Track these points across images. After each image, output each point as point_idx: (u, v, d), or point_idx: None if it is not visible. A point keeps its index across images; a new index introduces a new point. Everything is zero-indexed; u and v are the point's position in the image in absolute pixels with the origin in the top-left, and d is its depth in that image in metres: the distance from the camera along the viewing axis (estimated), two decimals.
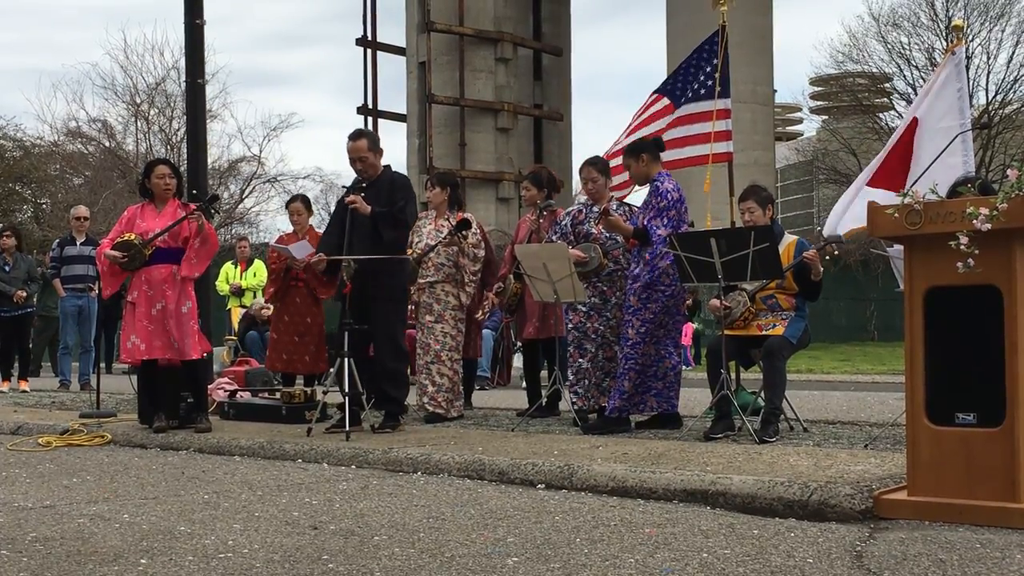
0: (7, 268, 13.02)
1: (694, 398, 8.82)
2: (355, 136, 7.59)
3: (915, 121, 7.52)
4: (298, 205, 9.62)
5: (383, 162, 7.68)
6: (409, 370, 8.22)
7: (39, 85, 76.88)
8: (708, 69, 8.66)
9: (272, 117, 60.49)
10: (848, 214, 7.56)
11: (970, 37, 35.02)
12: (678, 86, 8.83)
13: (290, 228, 9.85)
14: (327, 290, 9.17)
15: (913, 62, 37.56)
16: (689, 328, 19.76)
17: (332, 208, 7.46)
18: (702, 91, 8.67)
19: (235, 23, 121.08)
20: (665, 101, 8.82)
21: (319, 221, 43.66)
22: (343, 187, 7.64)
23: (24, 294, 12.97)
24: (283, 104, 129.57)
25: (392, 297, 7.51)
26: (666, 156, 8.17)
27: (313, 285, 9.15)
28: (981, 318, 4.35)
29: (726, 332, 6.69)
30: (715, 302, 6.84)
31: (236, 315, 14.79)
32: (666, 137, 8.32)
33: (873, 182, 7.49)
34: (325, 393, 7.97)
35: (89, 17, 70.08)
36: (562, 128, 36.12)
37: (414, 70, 34.35)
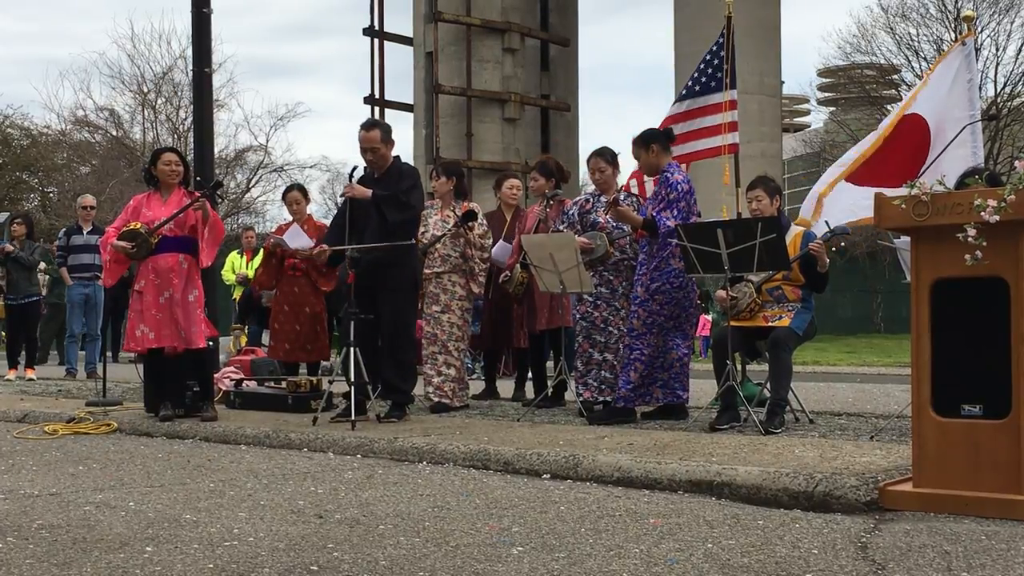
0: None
1: (700, 389, 8.82)
2: (368, 126, 7.58)
3: (920, 121, 7.52)
4: (295, 195, 9.62)
5: (393, 154, 7.68)
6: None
7: (47, 74, 76.87)
8: (716, 62, 8.68)
9: (279, 107, 60.50)
10: (829, 203, 7.57)
11: (979, 29, 34.90)
12: (686, 86, 8.88)
13: (290, 218, 9.86)
14: (328, 282, 9.19)
15: (922, 53, 37.45)
16: (706, 321, 19.67)
17: (338, 197, 7.45)
18: (712, 84, 8.68)
19: (254, 14, 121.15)
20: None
21: (324, 211, 43.61)
22: (349, 175, 7.62)
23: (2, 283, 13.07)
24: (295, 94, 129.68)
25: (400, 288, 7.49)
26: (679, 150, 8.18)
27: (314, 277, 9.16)
28: (988, 310, 4.34)
29: (732, 323, 6.68)
30: (721, 293, 6.83)
31: None
32: (680, 131, 8.33)
33: (858, 179, 7.53)
34: (331, 383, 7.97)
35: (106, 7, 70.08)
36: (569, 119, 36.06)
37: (421, 60, 34.31)
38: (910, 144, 7.59)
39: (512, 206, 9.18)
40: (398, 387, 7.51)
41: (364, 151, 7.55)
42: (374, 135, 7.51)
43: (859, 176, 7.71)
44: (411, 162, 36.11)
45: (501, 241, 8.74)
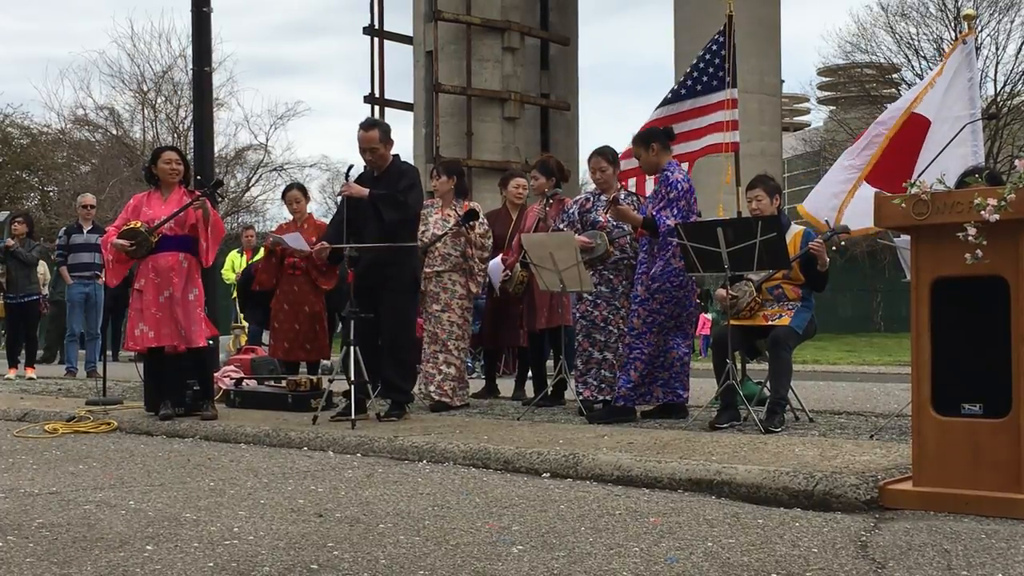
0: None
1: (700, 388, 8.82)
2: (367, 126, 7.58)
3: (924, 121, 7.53)
4: (295, 193, 9.62)
5: (392, 153, 7.69)
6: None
7: (46, 73, 76.88)
8: (717, 61, 8.67)
9: (279, 105, 60.47)
10: (850, 211, 7.56)
11: (979, 28, 34.90)
12: (686, 85, 8.85)
13: (290, 217, 9.86)
14: (328, 281, 9.19)
15: (922, 52, 37.45)
16: (705, 320, 19.68)
17: (337, 196, 7.44)
18: (714, 82, 8.68)
19: (254, 13, 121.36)
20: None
21: (324, 210, 43.68)
22: (345, 174, 7.63)
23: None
24: (295, 93, 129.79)
25: (400, 287, 7.49)
26: (680, 148, 8.17)
27: (314, 276, 9.16)
28: (988, 309, 4.34)
29: (732, 322, 6.68)
30: (721, 292, 6.84)
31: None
32: (680, 129, 8.33)
33: (871, 179, 7.52)
34: (331, 381, 7.97)
35: (106, 6, 70.36)
36: (569, 118, 36.06)
37: (421, 59, 34.30)
38: (914, 145, 7.61)
39: (518, 205, 9.17)
40: (398, 386, 7.51)
41: (363, 151, 7.55)
42: (373, 135, 7.51)
43: (871, 177, 7.72)
44: (411, 161, 36.01)
45: (496, 259, 8.72)
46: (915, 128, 7.67)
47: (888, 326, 31.94)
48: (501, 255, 8.77)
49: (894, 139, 7.68)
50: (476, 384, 9.60)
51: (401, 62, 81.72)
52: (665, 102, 8.94)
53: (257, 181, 39.25)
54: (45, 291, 15.40)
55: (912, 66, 38.00)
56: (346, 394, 7.28)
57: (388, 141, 7.62)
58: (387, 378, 7.50)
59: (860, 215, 7.51)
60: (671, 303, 7.03)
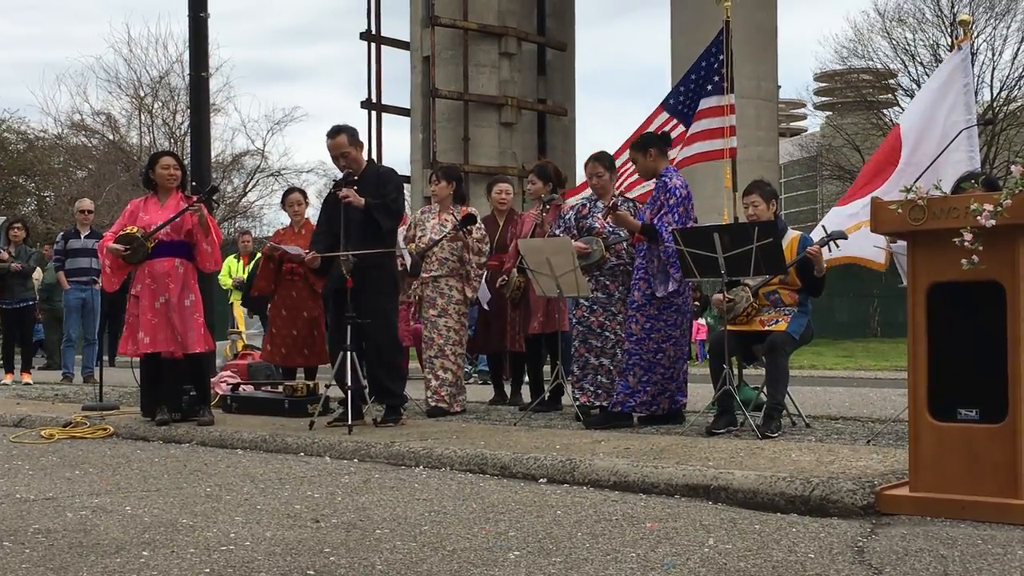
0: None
1: (697, 393, 8.81)
2: (334, 133, 7.59)
3: (898, 129, 7.63)
4: (297, 196, 9.66)
5: (379, 157, 7.73)
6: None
7: (43, 78, 77.03)
8: (716, 65, 8.66)
9: (276, 111, 60.45)
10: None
11: (975, 33, 34.95)
12: (680, 94, 8.82)
13: (287, 222, 9.85)
14: (323, 280, 9.20)
15: (918, 58, 37.54)
16: (699, 326, 19.68)
17: (342, 201, 7.43)
18: (708, 87, 8.67)
19: (252, 18, 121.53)
20: (665, 115, 8.86)
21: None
22: (333, 180, 7.65)
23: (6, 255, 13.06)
24: (293, 98, 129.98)
25: (383, 289, 7.50)
26: (680, 153, 8.18)
27: (312, 281, 9.16)
28: (984, 314, 4.34)
29: (729, 328, 6.68)
30: (718, 297, 6.84)
31: (239, 309, 14.80)
32: (677, 134, 8.34)
33: (850, 197, 7.66)
34: (328, 387, 7.96)
35: (107, 11, 70.71)
36: (566, 123, 36.08)
37: (418, 64, 34.31)
38: (882, 153, 7.70)
39: (503, 211, 9.16)
40: (390, 389, 7.50)
41: (335, 158, 7.60)
42: (341, 140, 7.54)
43: (844, 197, 7.86)
44: (408, 166, 35.88)
45: (483, 284, 8.70)
46: (890, 138, 7.77)
47: (885, 331, 31.92)
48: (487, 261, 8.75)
49: (876, 152, 7.79)
50: (471, 389, 9.57)
51: (398, 67, 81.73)
52: (675, 109, 8.83)
53: (254, 186, 39.29)
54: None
55: (908, 72, 38.12)
56: (343, 400, 7.27)
57: (358, 144, 7.66)
58: (378, 382, 7.49)
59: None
60: (671, 309, 7.03)
